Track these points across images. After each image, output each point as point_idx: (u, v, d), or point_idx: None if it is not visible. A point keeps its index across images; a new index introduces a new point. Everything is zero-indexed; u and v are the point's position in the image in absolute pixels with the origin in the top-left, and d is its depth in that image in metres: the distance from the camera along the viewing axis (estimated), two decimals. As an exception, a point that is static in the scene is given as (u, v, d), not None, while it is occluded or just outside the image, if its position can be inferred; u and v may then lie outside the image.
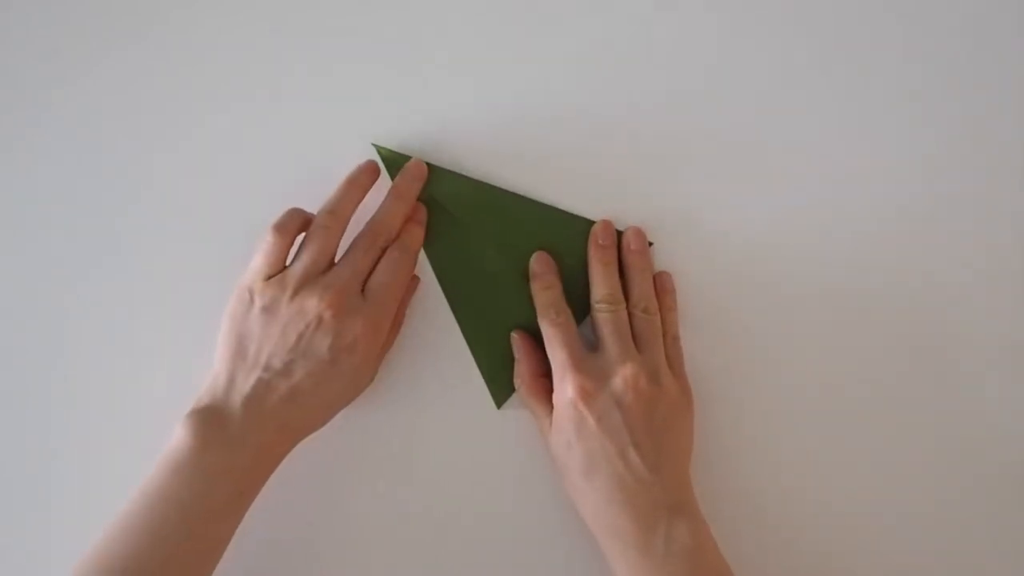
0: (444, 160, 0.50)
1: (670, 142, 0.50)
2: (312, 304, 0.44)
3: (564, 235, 0.49)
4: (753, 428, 0.49)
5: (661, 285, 0.49)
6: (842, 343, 0.49)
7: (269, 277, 0.45)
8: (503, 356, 0.49)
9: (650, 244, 0.49)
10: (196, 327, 0.49)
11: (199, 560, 0.42)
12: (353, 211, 0.47)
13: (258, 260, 0.45)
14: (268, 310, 0.44)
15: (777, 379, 0.49)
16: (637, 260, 0.48)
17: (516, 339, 0.49)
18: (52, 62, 0.52)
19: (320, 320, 0.44)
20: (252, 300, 0.45)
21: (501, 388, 0.49)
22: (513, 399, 0.49)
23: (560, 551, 0.48)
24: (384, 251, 0.47)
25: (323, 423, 0.47)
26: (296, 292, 0.44)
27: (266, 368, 0.44)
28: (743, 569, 0.44)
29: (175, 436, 0.42)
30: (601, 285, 0.48)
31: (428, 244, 0.50)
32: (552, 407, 0.46)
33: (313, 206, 0.50)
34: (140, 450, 0.43)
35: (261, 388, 0.43)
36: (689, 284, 0.50)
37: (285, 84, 0.51)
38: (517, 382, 0.48)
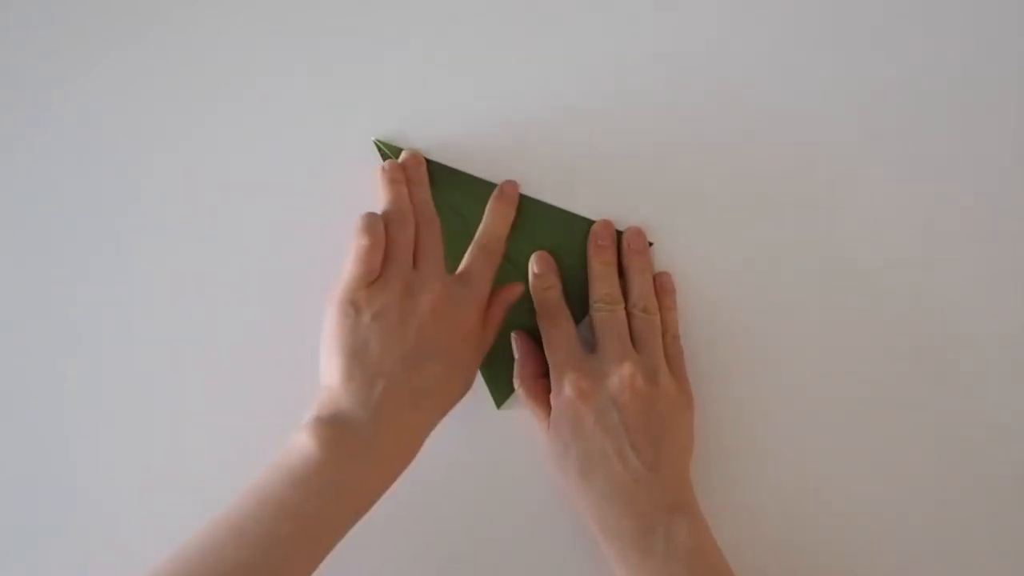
0: (445, 158, 0.50)
1: (671, 142, 0.50)
2: (424, 301, 0.44)
3: (564, 234, 0.49)
4: (753, 428, 0.49)
5: (661, 285, 0.49)
6: (842, 343, 0.49)
7: (371, 285, 0.44)
8: (503, 356, 0.49)
9: (650, 244, 0.49)
10: (199, 324, 0.49)
11: (303, 568, 0.40)
12: (410, 205, 0.47)
13: (354, 270, 0.43)
14: (380, 317, 0.43)
15: (777, 379, 0.49)
16: (637, 260, 0.48)
17: (516, 339, 0.49)
18: (52, 62, 0.52)
19: (436, 314, 0.43)
20: (359, 310, 0.43)
21: (501, 388, 0.49)
22: (513, 399, 0.49)
23: (560, 552, 0.48)
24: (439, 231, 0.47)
25: (434, 427, 0.45)
26: (404, 293, 0.44)
27: (390, 375, 0.42)
28: (743, 569, 0.44)
29: (298, 445, 0.40)
30: (600, 285, 0.48)
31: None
32: (551, 407, 0.46)
33: (314, 204, 0.50)
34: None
35: (388, 395, 0.42)
36: (689, 284, 0.50)
37: (285, 83, 0.51)
38: (516, 382, 0.48)
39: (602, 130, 0.50)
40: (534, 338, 0.48)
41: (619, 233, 0.49)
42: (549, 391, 0.46)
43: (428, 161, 0.50)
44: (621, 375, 0.44)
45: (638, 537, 0.42)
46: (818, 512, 0.48)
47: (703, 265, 0.50)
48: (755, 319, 0.50)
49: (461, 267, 0.47)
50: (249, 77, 0.51)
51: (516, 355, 0.49)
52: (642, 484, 0.43)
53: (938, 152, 0.50)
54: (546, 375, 0.47)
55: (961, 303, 0.49)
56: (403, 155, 0.49)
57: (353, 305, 0.43)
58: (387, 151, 0.50)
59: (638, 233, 0.49)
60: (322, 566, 0.47)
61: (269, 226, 0.50)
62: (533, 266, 0.49)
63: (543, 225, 0.49)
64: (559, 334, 0.47)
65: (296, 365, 0.46)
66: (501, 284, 0.49)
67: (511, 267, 0.49)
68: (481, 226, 0.48)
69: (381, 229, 0.44)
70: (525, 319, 0.49)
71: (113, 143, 0.51)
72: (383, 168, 0.48)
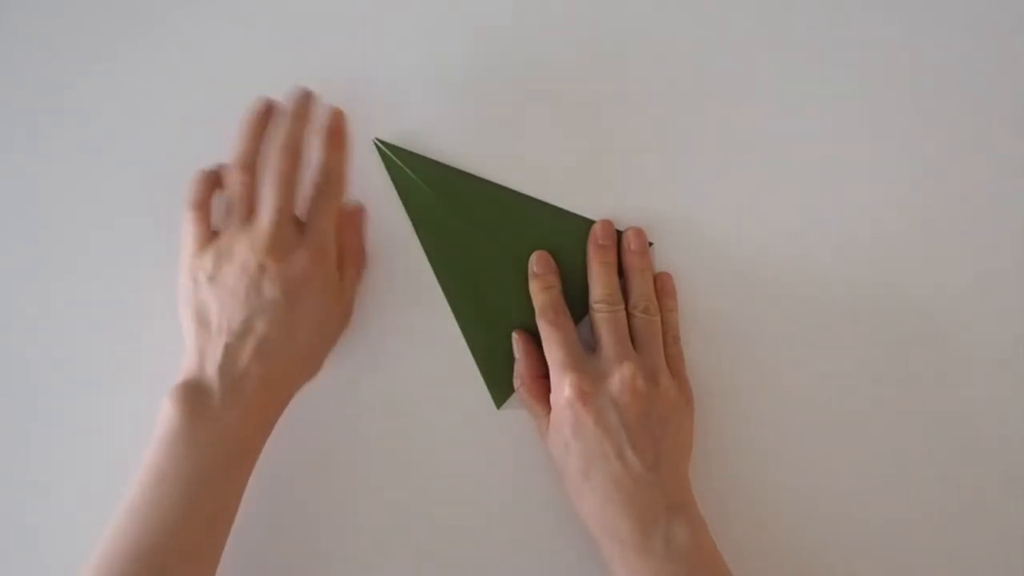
0: (445, 157, 0.50)
1: (671, 143, 0.50)
2: (250, 256, 0.45)
3: (564, 234, 0.49)
4: (752, 429, 0.49)
5: (662, 286, 0.49)
6: (842, 343, 0.49)
7: (203, 249, 0.46)
8: (503, 356, 0.49)
9: (650, 244, 0.49)
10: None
11: (208, 530, 0.43)
12: (257, 154, 0.47)
13: (187, 239, 0.46)
14: (214, 279, 0.45)
15: (777, 380, 0.49)
16: (637, 261, 0.48)
17: (516, 339, 0.49)
18: (51, 62, 0.52)
19: (263, 268, 0.44)
20: (197, 275, 0.45)
21: (501, 388, 0.49)
22: (513, 399, 0.49)
23: (559, 552, 0.48)
24: (297, 177, 0.46)
25: (311, 369, 0.47)
26: (232, 252, 0.45)
27: (229, 332, 0.44)
28: (742, 569, 0.44)
29: (162, 414, 0.43)
30: (599, 285, 0.48)
31: (427, 241, 0.50)
32: (550, 408, 0.46)
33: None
34: (137, 439, 0.43)
35: (230, 353, 0.44)
36: (689, 285, 0.50)
37: (284, 83, 0.51)
38: (516, 382, 0.49)
39: (604, 129, 0.50)
40: (534, 338, 0.48)
41: (619, 233, 0.49)
42: (549, 391, 0.46)
43: (424, 158, 0.50)
44: (622, 376, 0.44)
45: (637, 537, 0.42)
46: (818, 513, 0.48)
47: (703, 266, 0.50)
48: (755, 319, 0.49)
49: (305, 209, 0.47)
50: (249, 78, 0.51)
51: (516, 355, 0.49)
52: (641, 484, 0.43)
53: (939, 152, 0.50)
54: (546, 375, 0.47)
55: (961, 302, 0.49)
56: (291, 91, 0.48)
57: (191, 271, 0.46)
58: (387, 151, 0.50)
59: (638, 233, 0.49)
60: (321, 566, 0.48)
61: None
62: (533, 266, 0.49)
63: (543, 225, 0.49)
64: (559, 334, 0.47)
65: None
66: (501, 284, 0.49)
67: (511, 267, 0.49)
68: (315, 161, 0.47)
69: (206, 198, 0.47)
70: (525, 319, 0.49)
71: (114, 143, 0.51)
72: (247, 115, 0.47)
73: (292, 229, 0.46)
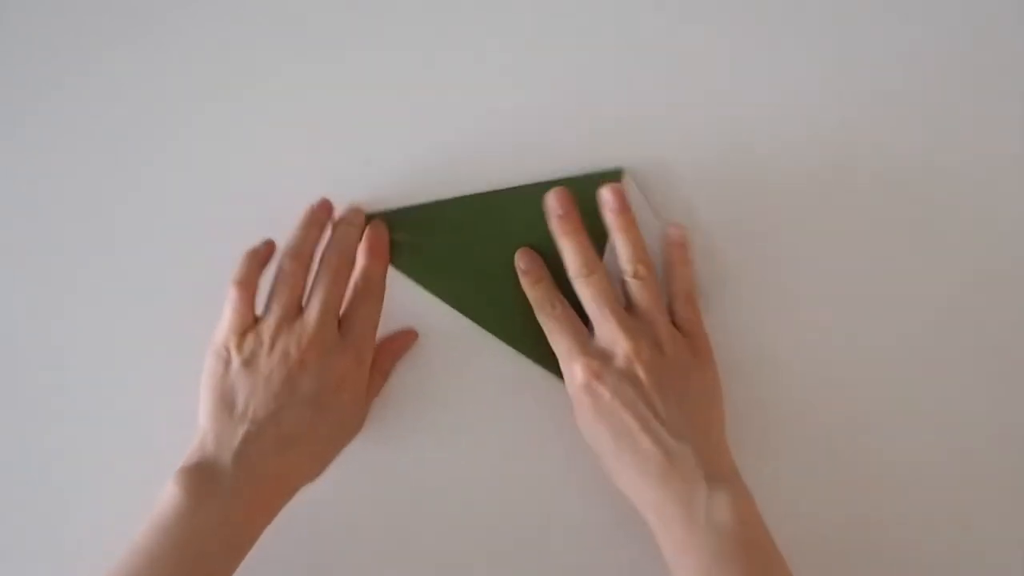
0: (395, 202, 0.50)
1: (669, 144, 0.50)
2: (292, 349, 0.44)
3: (536, 211, 0.48)
4: (752, 428, 0.49)
5: (669, 238, 0.47)
6: (843, 342, 0.49)
7: (243, 332, 0.45)
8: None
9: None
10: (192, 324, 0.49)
11: None
12: (314, 250, 0.47)
13: (228, 317, 0.45)
14: (249, 364, 0.44)
15: (776, 380, 0.49)
16: (617, 220, 0.46)
17: (521, 255, 0.48)
18: (49, 62, 0.52)
19: (303, 363, 0.44)
20: (230, 357, 0.44)
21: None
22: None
23: (577, 551, 0.48)
24: (347, 280, 0.47)
25: (317, 473, 0.46)
26: (274, 341, 0.44)
27: (253, 420, 0.43)
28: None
29: (166, 494, 0.42)
30: (569, 257, 0.46)
31: (436, 286, 0.49)
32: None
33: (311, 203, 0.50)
34: (132, 505, 0.43)
35: (250, 441, 0.43)
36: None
37: (284, 84, 0.51)
38: (546, 305, 0.47)
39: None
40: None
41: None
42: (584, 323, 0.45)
43: (386, 212, 0.49)
44: (624, 353, 0.43)
45: (679, 510, 0.41)
46: (818, 511, 0.48)
47: (703, 265, 0.49)
48: (754, 321, 0.49)
49: (342, 312, 0.47)
50: (246, 79, 0.51)
51: (531, 278, 0.48)
52: (674, 456, 0.42)
53: (939, 153, 0.50)
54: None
55: (962, 302, 0.49)
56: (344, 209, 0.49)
57: (225, 351, 0.45)
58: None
59: (614, 190, 0.46)
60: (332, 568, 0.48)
61: (266, 228, 0.50)
62: (518, 263, 0.48)
63: (521, 208, 0.48)
64: (560, 325, 0.46)
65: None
66: (511, 279, 0.49)
67: (509, 261, 0.49)
68: (356, 268, 0.48)
69: (254, 279, 0.46)
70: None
71: (111, 144, 0.51)
72: (306, 208, 0.48)
73: (335, 329, 0.46)
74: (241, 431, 0.43)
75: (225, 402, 0.44)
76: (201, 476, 0.42)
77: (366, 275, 0.48)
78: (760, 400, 0.49)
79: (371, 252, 0.48)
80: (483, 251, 0.49)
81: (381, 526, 0.49)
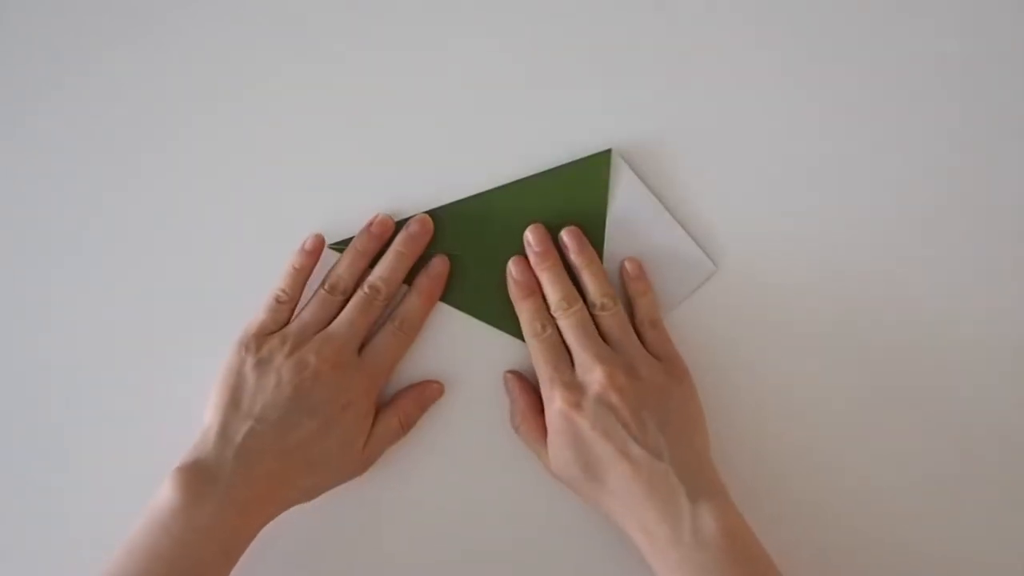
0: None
1: (669, 146, 0.50)
2: (310, 358, 0.45)
3: (531, 204, 0.49)
4: (750, 430, 0.49)
5: (627, 272, 0.48)
6: (842, 345, 0.49)
7: (268, 334, 0.46)
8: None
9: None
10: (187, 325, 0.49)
11: None
12: (358, 279, 0.47)
13: (260, 317, 0.46)
14: (264, 362, 0.45)
15: (776, 381, 0.49)
16: (579, 259, 0.48)
17: (508, 379, 0.49)
18: (49, 62, 0.52)
19: (317, 374, 0.45)
20: (248, 353, 0.45)
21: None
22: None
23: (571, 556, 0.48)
24: (383, 309, 0.47)
25: (312, 495, 0.46)
26: (295, 347, 0.45)
27: (260, 419, 0.44)
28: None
29: (162, 492, 0.42)
30: (551, 291, 0.47)
31: (450, 298, 0.49)
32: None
33: (312, 203, 0.50)
34: (127, 502, 0.43)
35: (254, 439, 0.43)
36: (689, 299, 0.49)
37: (284, 84, 0.51)
38: (516, 421, 0.48)
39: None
40: (524, 376, 0.49)
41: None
42: (547, 427, 0.46)
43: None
44: (599, 380, 0.44)
45: (665, 529, 0.42)
46: (816, 514, 0.49)
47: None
48: (754, 322, 0.49)
49: (371, 339, 0.47)
50: (247, 78, 0.51)
51: (510, 395, 0.48)
52: (656, 475, 0.42)
53: (938, 154, 0.50)
54: (542, 411, 0.47)
55: (962, 303, 0.49)
56: (409, 223, 0.48)
57: (245, 347, 0.45)
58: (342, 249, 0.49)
59: (571, 232, 0.48)
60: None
61: (265, 228, 0.50)
62: (511, 270, 0.48)
63: (509, 208, 0.49)
64: (545, 348, 0.46)
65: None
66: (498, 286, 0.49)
67: (502, 265, 0.49)
68: (402, 303, 0.48)
69: (299, 288, 0.47)
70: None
71: (111, 143, 0.51)
72: (366, 228, 0.48)
73: (355, 351, 0.46)
74: (245, 427, 0.43)
75: (234, 397, 0.44)
76: (198, 476, 0.42)
77: (408, 310, 0.48)
78: (745, 411, 0.49)
79: (423, 291, 0.48)
80: (485, 252, 0.49)
81: (376, 530, 0.49)
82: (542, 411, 0.47)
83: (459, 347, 0.50)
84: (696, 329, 0.49)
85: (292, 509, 0.46)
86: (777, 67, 0.50)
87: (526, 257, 0.48)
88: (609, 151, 0.49)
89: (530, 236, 0.48)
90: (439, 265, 0.48)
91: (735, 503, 0.43)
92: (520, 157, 0.49)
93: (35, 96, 0.51)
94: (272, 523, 0.45)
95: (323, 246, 0.48)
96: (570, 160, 0.49)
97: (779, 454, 0.49)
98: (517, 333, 0.49)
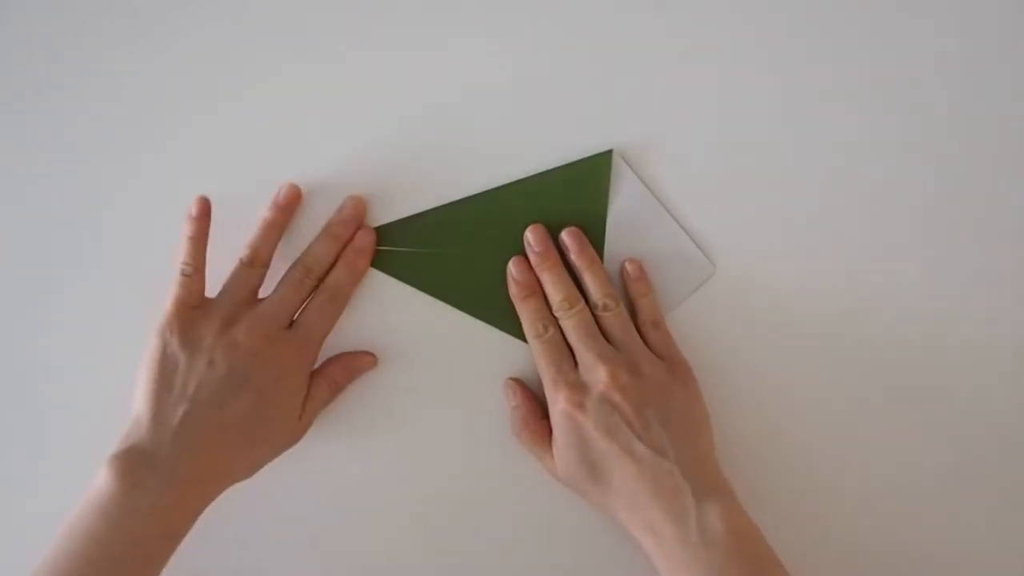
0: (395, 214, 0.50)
1: (669, 147, 0.50)
2: (242, 336, 0.44)
3: (532, 205, 0.49)
4: (750, 430, 0.49)
5: (628, 274, 0.48)
6: (841, 345, 0.49)
7: (189, 313, 0.45)
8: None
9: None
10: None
11: None
12: (273, 250, 0.47)
13: (175, 296, 0.45)
14: (193, 343, 0.44)
15: (776, 381, 0.49)
16: (580, 260, 0.48)
17: (509, 385, 0.49)
18: (49, 62, 0.52)
19: (251, 351, 0.44)
20: (173, 335, 0.44)
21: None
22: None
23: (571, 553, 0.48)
24: (315, 288, 0.47)
25: (250, 471, 0.46)
26: (225, 324, 0.45)
27: (194, 400, 0.43)
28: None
29: (100, 479, 0.42)
30: (552, 292, 0.47)
31: (435, 290, 0.49)
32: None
33: (311, 206, 0.50)
34: (67, 487, 0.43)
35: (190, 421, 0.43)
36: (686, 302, 0.49)
37: (283, 84, 0.51)
38: (517, 428, 0.48)
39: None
40: (525, 383, 0.49)
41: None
42: (550, 431, 0.46)
43: (383, 228, 0.49)
44: (603, 380, 0.44)
45: (671, 528, 0.42)
46: (816, 513, 0.49)
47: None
48: (755, 322, 0.49)
49: (299, 312, 0.47)
50: (247, 78, 0.51)
51: (511, 402, 0.48)
52: (661, 473, 0.43)
53: (939, 155, 0.50)
54: (545, 416, 0.47)
55: (962, 304, 0.49)
56: (342, 205, 0.49)
57: (168, 331, 0.44)
58: None
59: (572, 233, 0.48)
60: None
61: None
62: (511, 270, 0.48)
63: (508, 208, 0.49)
64: (548, 349, 0.47)
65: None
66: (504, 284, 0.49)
67: (502, 264, 0.49)
68: (329, 275, 0.48)
69: (202, 258, 0.46)
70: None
71: (111, 143, 0.51)
72: (274, 200, 0.48)
73: (285, 324, 0.46)
74: (180, 411, 0.43)
75: (166, 380, 0.44)
76: (135, 461, 0.42)
77: (335, 282, 0.48)
78: (745, 411, 0.49)
79: (347, 261, 0.48)
80: (485, 252, 0.49)
81: (376, 530, 0.49)
82: (544, 415, 0.47)
83: (459, 347, 0.50)
84: (696, 329, 0.49)
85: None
86: (777, 67, 0.50)
87: (527, 257, 0.48)
88: (610, 152, 0.49)
89: (530, 236, 0.48)
90: (364, 237, 0.48)
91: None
92: (520, 157, 0.49)
93: (35, 96, 0.51)
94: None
95: (209, 216, 0.47)
96: (570, 160, 0.49)
97: (779, 454, 0.49)
98: (517, 333, 0.49)
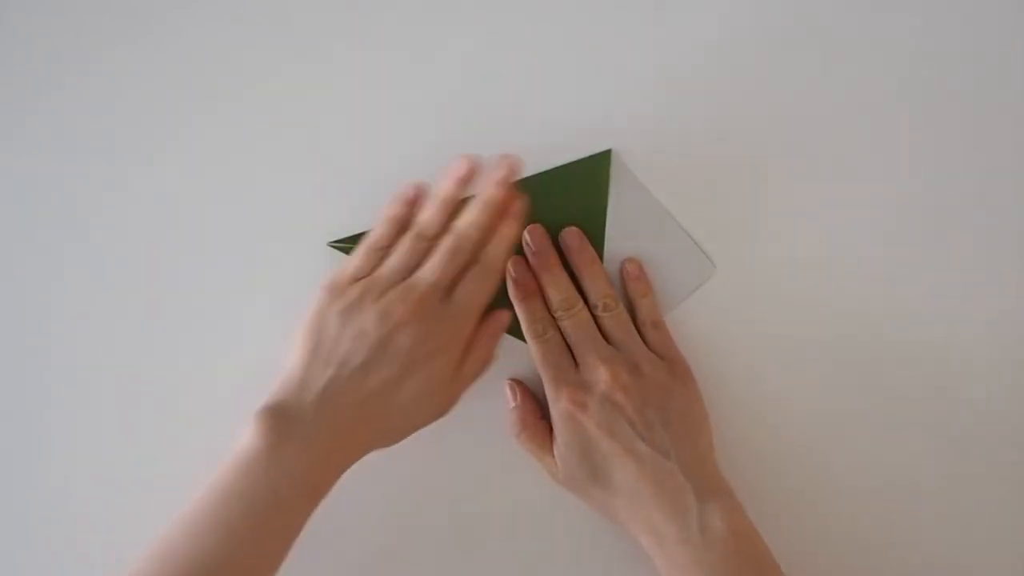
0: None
1: (669, 147, 0.50)
2: (395, 306, 0.43)
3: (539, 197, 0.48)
4: (750, 430, 0.49)
5: (627, 274, 0.48)
6: (841, 345, 0.49)
7: (355, 280, 0.44)
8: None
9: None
10: (188, 325, 0.49)
11: (264, 559, 0.41)
12: (447, 224, 0.46)
13: (349, 262, 0.45)
14: (349, 310, 0.43)
15: (776, 381, 0.49)
16: (579, 258, 0.48)
17: (510, 385, 0.49)
18: (49, 62, 0.52)
19: (402, 323, 0.43)
20: (334, 299, 0.44)
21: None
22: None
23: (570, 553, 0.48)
24: (468, 257, 0.45)
25: (394, 439, 0.45)
26: (380, 295, 0.44)
27: (341, 365, 0.43)
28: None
29: (245, 434, 0.41)
30: (552, 292, 0.47)
31: None
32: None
33: (312, 206, 0.50)
34: (207, 447, 0.42)
35: (335, 386, 0.42)
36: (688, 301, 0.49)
37: (283, 84, 0.51)
38: (516, 429, 0.48)
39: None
40: (525, 382, 0.49)
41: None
42: (550, 431, 0.46)
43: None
44: (604, 380, 0.44)
45: (672, 528, 0.42)
46: (816, 513, 0.49)
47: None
48: (755, 324, 0.49)
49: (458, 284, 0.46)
50: (247, 78, 0.51)
51: (511, 403, 0.48)
52: (662, 473, 0.43)
53: (938, 157, 0.50)
54: (545, 416, 0.47)
55: (962, 305, 0.49)
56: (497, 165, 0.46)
57: (331, 292, 0.44)
58: (345, 249, 0.49)
59: (572, 232, 0.48)
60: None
61: (265, 228, 0.50)
62: (510, 270, 0.48)
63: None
64: (547, 351, 0.46)
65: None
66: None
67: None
68: (488, 247, 0.46)
69: (396, 235, 0.45)
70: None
71: (111, 143, 0.51)
72: (450, 175, 0.46)
73: (440, 303, 0.44)
74: (326, 376, 0.42)
75: (318, 343, 0.43)
76: (281, 417, 0.41)
77: (490, 254, 0.46)
78: (744, 411, 0.49)
79: (502, 235, 0.46)
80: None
81: (376, 531, 0.49)
82: (544, 416, 0.47)
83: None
84: (696, 329, 0.49)
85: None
86: (777, 67, 0.50)
87: (525, 258, 0.48)
88: (609, 151, 0.49)
89: (528, 237, 0.48)
90: (518, 204, 0.46)
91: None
92: (520, 157, 0.49)
93: (35, 96, 0.51)
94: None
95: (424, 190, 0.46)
96: (570, 160, 0.49)
97: (778, 454, 0.49)
98: (517, 333, 0.49)
